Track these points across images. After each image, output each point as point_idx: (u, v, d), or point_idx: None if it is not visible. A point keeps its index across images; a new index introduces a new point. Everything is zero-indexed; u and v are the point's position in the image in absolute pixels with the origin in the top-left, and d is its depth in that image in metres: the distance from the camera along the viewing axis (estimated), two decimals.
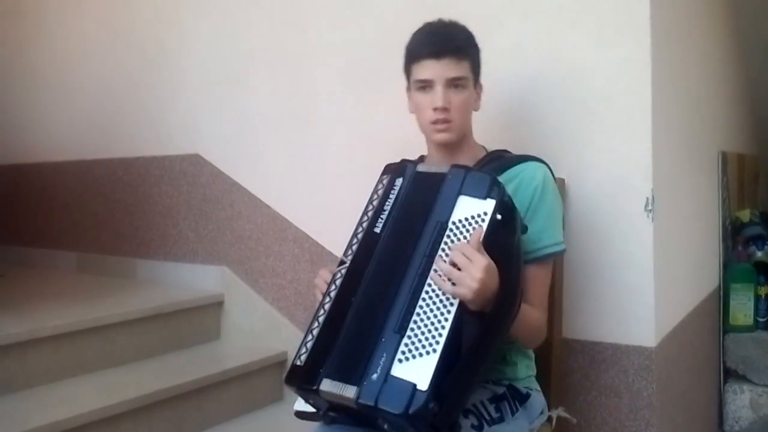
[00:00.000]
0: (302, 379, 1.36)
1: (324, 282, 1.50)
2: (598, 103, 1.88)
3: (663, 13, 1.90)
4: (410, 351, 1.27)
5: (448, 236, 1.36)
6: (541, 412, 1.65)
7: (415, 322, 1.29)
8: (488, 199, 1.37)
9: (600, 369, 1.92)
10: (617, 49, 1.85)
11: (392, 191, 1.50)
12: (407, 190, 1.49)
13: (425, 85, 1.59)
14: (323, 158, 2.56)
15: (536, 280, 1.54)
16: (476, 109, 1.68)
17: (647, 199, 1.82)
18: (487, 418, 1.49)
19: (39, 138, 3.88)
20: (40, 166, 3.85)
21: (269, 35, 2.71)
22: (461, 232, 1.36)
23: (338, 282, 1.45)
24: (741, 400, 2.62)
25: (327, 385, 1.31)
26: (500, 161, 1.64)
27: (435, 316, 1.29)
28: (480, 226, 1.35)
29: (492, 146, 1.74)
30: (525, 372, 1.64)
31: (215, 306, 2.88)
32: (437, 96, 1.56)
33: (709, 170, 2.66)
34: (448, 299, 1.31)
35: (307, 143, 2.61)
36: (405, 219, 1.45)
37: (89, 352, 2.43)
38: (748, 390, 2.61)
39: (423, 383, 1.23)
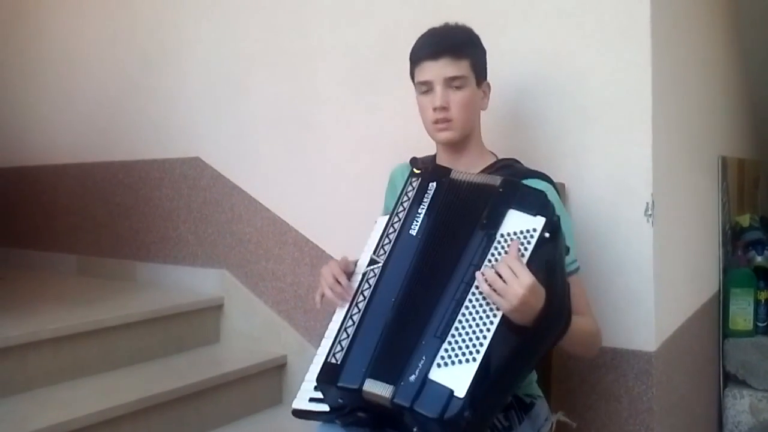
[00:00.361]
0: (341, 377, 1.36)
1: (332, 276, 1.51)
2: (598, 108, 1.88)
3: (664, 18, 1.90)
4: (450, 357, 1.27)
5: (495, 248, 1.35)
6: (546, 419, 1.64)
7: (457, 328, 1.30)
8: (538, 217, 1.36)
9: (600, 373, 1.91)
10: (618, 53, 1.85)
11: (426, 194, 1.51)
12: (447, 196, 1.49)
13: (426, 87, 1.61)
14: (324, 161, 2.56)
15: (573, 293, 1.51)
16: (483, 108, 1.70)
17: (647, 203, 1.82)
18: (498, 427, 1.50)
19: (39, 141, 3.88)
20: (40, 169, 3.85)
21: (270, 38, 2.71)
22: (509, 245, 1.35)
23: (372, 281, 1.45)
24: (741, 405, 2.61)
25: (370, 386, 1.32)
26: (509, 170, 1.64)
27: (477, 324, 1.29)
28: (528, 242, 1.34)
29: (493, 151, 1.74)
30: (527, 378, 1.63)
31: (215, 309, 2.88)
32: (436, 96, 1.59)
33: (709, 175, 2.66)
34: (491, 309, 1.31)
35: (308, 146, 2.61)
36: (447, 224, 1.45)
37: (89, 355, 2.43)
38: (748, 395, 2.60)
39: (460, 390, 1.23)
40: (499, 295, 1.28)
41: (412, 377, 1.27)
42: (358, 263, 1.54)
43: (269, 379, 2.65)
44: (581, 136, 1.92)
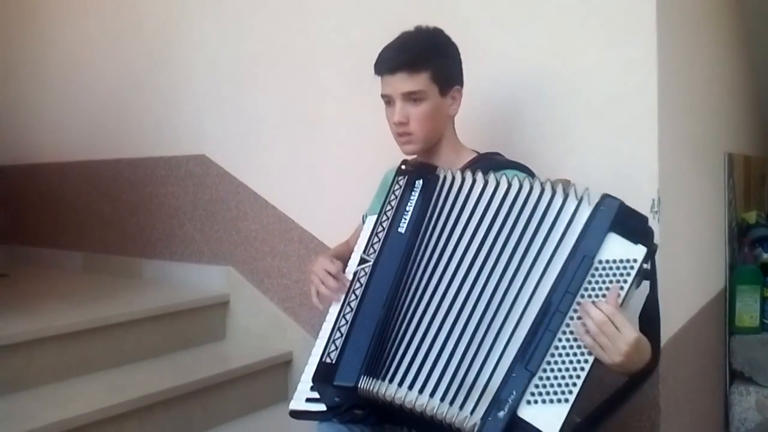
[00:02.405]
0: (336, 376, 1.36)
1: (324, 272, 1.52)
2: (604, 105, 1.88)
3: (670, 14, 1.89)
4: (541, 393, 1.19)
5: (593, 275, 1.24)
6: None
7: (549, 362, 1.21)
8: (639, 246, 1.25)
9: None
10: (623, 50, 1.84)
11: (413, 192, 1.49)
12: (462, 195, 1.43)
13: (387, 100, 1.62)
14: (329, 159, 2.56)
15: None
16: (453, 114, 1.67)
17: (653, 200, 1.81)
18: None
19: (45, 139, 3.89)
20: (46, 167, 3.86)
21: (275, 37, 2.72)
22: (607, 276, 1.24)
23: (362, 280, 1.45)
24: (747, 402, 2.61)
25: (366, 383, 1.32)
26: (490, 162, 1.64)
27: (570, 362, 1.21)
28: (627, 274, 1.24)
29: (497, 149, 1.74)
30: None
31: (221, 306, 2.89)
32: (395, 111, 1.59)
33: (716, 172, 2.65)
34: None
35: (313, 144, 2.61)
36: (479, 229, 1.38)
37: (95, 352, 2.44)
38: (754, 392, 2.60)
39: None
40: (601, 348, 1.21)
41: (501, 413, 1.18)
42: (350, 262, 1.54)
43: (275, 375, 2.65)
44: (587, 133, 1.91)
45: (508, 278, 1.31)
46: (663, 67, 1.82)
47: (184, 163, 3.09)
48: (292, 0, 2.65)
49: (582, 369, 1.20)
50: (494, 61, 2.07)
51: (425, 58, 1.57)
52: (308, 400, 1.45)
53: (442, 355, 1.30)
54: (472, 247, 1.37)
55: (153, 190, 3.25)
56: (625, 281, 1.23)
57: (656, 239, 1.79)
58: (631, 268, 1.24)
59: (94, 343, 2.44)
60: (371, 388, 1.33)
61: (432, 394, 1.28)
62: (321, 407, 1.43)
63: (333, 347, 1.40)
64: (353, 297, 1.44)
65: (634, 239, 1.26)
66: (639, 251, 1.25)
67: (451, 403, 1.25)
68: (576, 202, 1.31)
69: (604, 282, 1.24)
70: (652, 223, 1.81)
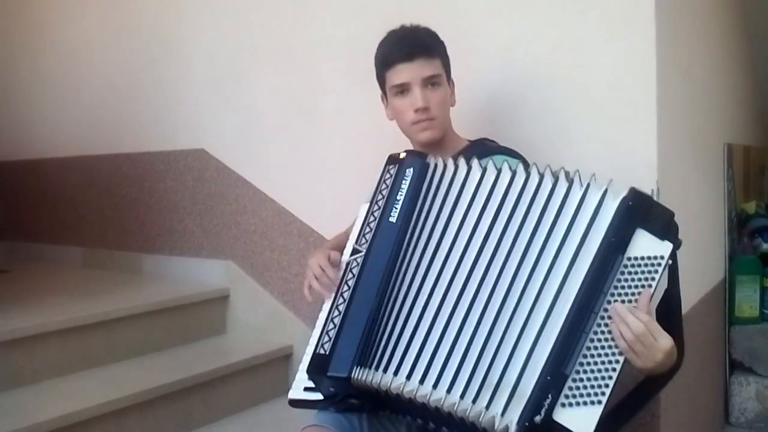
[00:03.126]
0: (330, 367, 1.37)
1: (319, 267, 1.52)
2: (603, 96, 1.88)
3: (668, 5, 1.89)
4: (575, 396, 1.17)
5: (622, 273, 1.21)
6: None
7: (581, 364, 1.19)
8: (665, 242, 1.23)
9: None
10: (623, 41, 1.84)
11: (404, 181, 1.48)
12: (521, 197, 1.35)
13: (403, 89, 1.61)
14: (328, 152, 2.56)
15: None
16: (452, 104, 1.71)
17: (652, 191, 1.81)
18: None
19: (45, 134, 3.89)
20: (45, 162, 3.86)
21: (274, 30, 2.71)
22: (636, 274, 1.21)
23: (354, 270, 1.45)
24: (747, 392, 2.61)
25: (388, 380, 1.31)
26: (481, 147, 1.67)
27: (603, 362, 1.19)
28: (655, 272, 1.22)
29: (497, 141, 1.74)
30: None
31: (221, 300, 2.89)
32: (416, 97, 1.59)
33: (715, 162, 2.65)
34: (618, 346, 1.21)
35: (312, 138, 2.61)
36: (486, 219, 1.35)
37: (96, 347, 2.44)
38: (754, 382, 2.61)
39: None
40: (635, 354, 1.19)
41: (538, 418, 1.16)
42: (344, 252, 1.54)
43: (275, 369, 2.66)
44: (586, 124, 1.91)
45: (526, 272, 1.27)
46: (662, 58, 1.82)
47: (183, 157, 3.09)
48: None
49: (614, 370, 1.19)
50: (493, 53, 2.06)
51: (436, 45, 1.65)
52: (306, 389, 1.46)
53: (442, 345, 1.29)
54: (476, 236, 1.34)
55: (152, 184, 3.25)
56: (653, 279, 1.21)
57: None
58: (659, 265, 1.21)
59: (95, 338, 2.44)
60: (364, 378, 1.34)
61: (435, 386, 1.26)
62: (318, 396, 1.44)
63: (326, 338, 1.41)
64: (346, 288, 1.45)
65: (662, 235, 1.23)
66: (666, 248, 1.22)
67: (462, 396, 1.23)
68: (600, 194, 1.27)
69: (633, 280, 1.21)
70: None
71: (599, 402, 1.16)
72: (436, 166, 1.48)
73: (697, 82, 2.39)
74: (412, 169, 1.49)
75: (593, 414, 1.16)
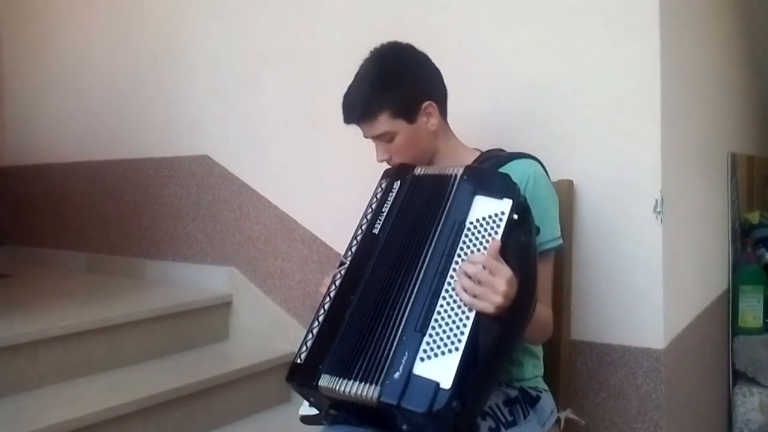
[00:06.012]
0: (302, 375, 1.37)
1: (325, 286, 1.53)
2: (606, 105, 1.88)
3: (672, 14, 1.89)
4: (432, 350, 1.26)
5: (466, 236, 1.35)
6: (551, 413, 1.65)
7: (436, 320, 1.28)
8: (505, 199, 1.36)
9: (608, 371, 1.91)
10: (626, 50, 1.85)
11: (390, 193, 1.54)
12: (410, 192, 1.51)
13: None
14: (332, 159, 2.56)
15: (540, 275, 1.51)
16: (433, 129, 1.62)
17: (656, 200, 1.81)
18: (503, 421, 1.50)
19: (49, 139, 3.90)
20: (49, 167, 3.87)
21: (278, 36, 2.72)
22: (479, 232, 1.35)
23: (338, 282, 1.48)
24: (750, 403, 2.60)
25: (326, 381, 1.32)
26: (492, 160, 1.64)
27: (456, 314, 1.28)
28: (498, 225, 1.34)
29: (500, 146, 1.74)
30: (532, 372, 1.63)
31: (224, 306, 2.89)
32: (377, 151, 1.64)
33: (719, 172, 2.65)
34: None
35: (316, 144, 2.61)
36: (413, 219, 1.46)
37: (99, 352, 2.44)
38: (758, 392, 2.60)
39: (446, 381, 1.22)
40: (478, 299, 1.27)
41: (397, 374, 1.25)
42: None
43: (278, 376, 2.65)
44: (590, 133, 1.91)
45: (413, 263, 1.38)
46: (666, 67, 1.82)
47: (186, 163, 3.10)
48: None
49: (467, 318, 1.27)
50: (496, 61, 2.07)
51: (376, 104, 1.57)
52: (311, 404, 1.46)
53: (367, 342, 1.34)
54: (402, 239, 1.45)
55: (156, 190, 3.25)
56: (496, 232, 1.34)
57: (659, 239, 1.81)
58: (500, 219, 1.35)
59: (98, 343, 2.44)
60: (331, 386, 1.32)
61: (356, 379, 1.31)
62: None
63: (304, 348, 1.42)
64: (327, 299, 1.48)
65: (499, 195, 1.37)
66: (506, 204, 1.36)
67: (361, 381, 1.29)
68: (452, 181, 1.44)
69: (476, 238, 1.35)
70: (655, 223, 1.82)
71: (456, 349, 1.24)
72: (432, 176, 1.52)
73: (700, 91, 2.39)
74: (399, 182, 1.55)
75: (451, 361, 1.23)
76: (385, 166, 1.66)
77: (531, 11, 2.01)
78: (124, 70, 3.41)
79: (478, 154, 1.70)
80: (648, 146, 1.82)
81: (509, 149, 1.73)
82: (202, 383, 2.36)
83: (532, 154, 1.65)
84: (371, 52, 1.64)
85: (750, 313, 2.67)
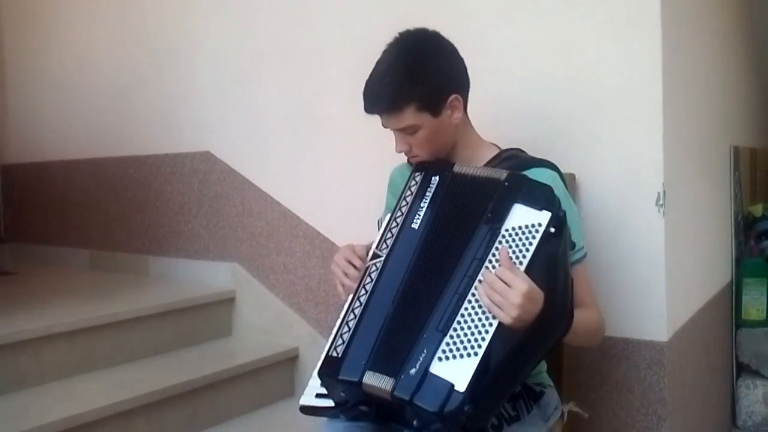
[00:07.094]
0: (341, 370, 1.35)
1: (344, 260, 1.51)
2: (608, 99, 1.88)
3: (674, 8, 1.89)
4: (451, 351, 1.26)
5: (500, 242, 1.34)
6: (555, 408, 1.64)
7: (459, 322, 1.29)
8: (544, 211, 1.35)
9: (612, 364, 1.91)
10: (628, 44, 1.84)
11: (428, 189, 1.50)
12: (450, 190, 1.48)
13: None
14: (334, 155, 2.56)
15: (577, 284, 1.47)
16: (456, 122, 1.56)
17: (658, 193, 1.81)
18: (506, 416, 1.49)
19: (51, 137, 3.90)
20: (52, 165, 3.87)
21: (280, 33, 2.72)
22: (514, 241, 1.34)
23: (374, 275, 1.45)
24: (754, 395, 2.61)
25: (370, 378, 1.31)
26: (513, 161, 1.60)
27: (479, 319, 1.28)
28: (533, 236, 1.33)
29: (502, 143, 1.73)
30: (536, 367, 1.63)
31: (227, 302, 2.90)
32: (396, 141, 1.58)
33: (721, 165, 2.65)
34: None
35: (318, 140, 2.61)
36: (450, 218, 1.44)
37: (102, 349, 2.45)
38: (761, 385, 2.60)
39: (461, 384, 1.22)
40: (497, 307, 1.26)
41: (413, 370, 1.26)
42: (367, 259, 1.52)
43: (281, 371, 2.66)
44: (592, 127, 1.91)
45: (447, 263, 1.38)
46: (668, 61, 1.82)
47: (189, 160, 3.10)
48: None
49: (490, 324, 1.27)
50: (498, 55, 2.06)
51: (404, 95, 1.48)
52: (318, 395, 1.45)
53: (400, 337, 1.34)
54: (440, 238, 1.44)
55: (158, 187, 3.25)
56: (531, 244, 1.33)
57: (661, 233, 1.81)
58: (537, 231, 1.33)
59: (101, 339, 2.45)
60: (376, 383, 1.32)
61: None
62: (329, 402, 1.43)
63: (340, 341, 1.39)
64: (363, 292, 1.44)
65: (539, 207, 1.36)
66: (544, 216, 1.34)
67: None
68: (493, 185, 1.43)
69: (509, 246, 1.33)
70: (658, 216, 1.82)
71: (475, 354, 1.25)
72: (474, 178, 1.49)
73: (702, 85, 2.38)
74: (438, 177, 1.51)
75: (468, 365, 1.24)
76: (402, 156, 1.63)
77: (533, 6, 2.01)
78: (126, 68, 3.41)
79: (496, 150, 1.66)
80: (650, 139, 1.82)
81: (509, 143, 1.73)
82: (205, 379, 2.37)
83: (533, 147, 1.65)
84: (396, 38, 1.55)
85: (753, 305, 2.67)
